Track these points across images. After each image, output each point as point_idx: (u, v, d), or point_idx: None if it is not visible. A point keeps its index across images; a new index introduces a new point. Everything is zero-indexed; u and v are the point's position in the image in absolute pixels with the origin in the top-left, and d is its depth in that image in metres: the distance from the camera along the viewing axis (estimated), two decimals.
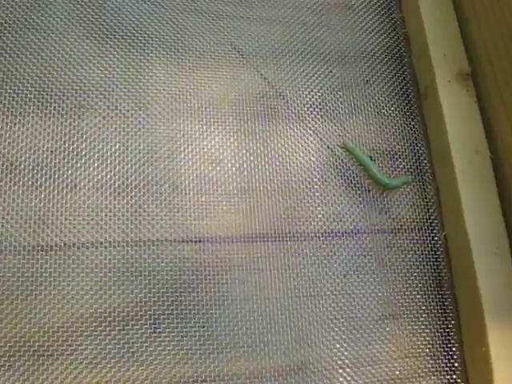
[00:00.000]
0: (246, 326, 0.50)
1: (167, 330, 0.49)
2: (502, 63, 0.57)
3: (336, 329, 0.52)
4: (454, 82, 0.59)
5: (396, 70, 0.64)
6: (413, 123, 0.61)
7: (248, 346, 0.50)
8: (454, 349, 0.54)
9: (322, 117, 0.59)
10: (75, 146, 0.51)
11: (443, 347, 0.54)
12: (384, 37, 0.65)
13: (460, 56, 0.61)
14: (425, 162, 0.60)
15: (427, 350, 0.54)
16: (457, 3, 0.63)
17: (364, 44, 0.64)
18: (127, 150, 0.52)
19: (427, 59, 0.60)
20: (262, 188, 0.54)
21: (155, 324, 0.48)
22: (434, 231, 0.57)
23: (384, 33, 0.65)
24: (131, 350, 0.47)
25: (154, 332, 0.48)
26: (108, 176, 0.51)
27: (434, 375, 0.53)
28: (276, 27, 0.61)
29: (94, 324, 0.47)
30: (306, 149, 0.57)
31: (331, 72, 0.61)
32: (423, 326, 0.54)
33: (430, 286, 0.56)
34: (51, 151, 0.50)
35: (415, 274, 0.56)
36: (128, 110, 0.53)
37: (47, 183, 0.49)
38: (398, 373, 0.52)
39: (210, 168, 0.53)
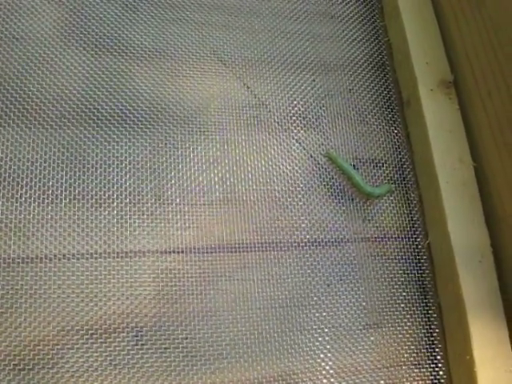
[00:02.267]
0: (230, 336, 0.50)
1: (150, 342, 0.48)
2: (483, 71, 0.57)
3: (320, 338, 0.52)
4: (436, 90, 0.59)
5: (379, 78, 0.64)
6: (396, 131, 0.61)
7: (232, 357, 0.49)
8: (438, 357, 0.54)
9: (305, 126, 0.58)
10: (56, 156, 0.50)
11: (428, 356, 0.54)
12: (367, 45, 0.65)
13: (442, 64, 0.61)
14: (408, 170, 0.60)
15: (411, 359, 0.53)
16: (439, 12, 0.63)
17: (347, 53, 0.64)
18: (109, 160, 0.51)
19: (409, 68, 0.60)
20: (244, 198, 0.54)
21: (137, 336, 0.48)
22: (418, 239, 0.57)
23: (367, 41, 0.65)
24: (113, 363, 0.47)
25: (137, 344, 0.48)
26: (90, 187, 0.50)
27: None
28: (259, 36, 0.61)
29: (76, 337, 0.47)
30: (289, 158, 0.57)
31: (314, 81, 0.61)
32: (407, 335, 0.54)
33: (414, 295, 0.55)
34: (32, 162, 0.50)
35: (399, 283, 0.55)
36: (110, 120, 0.53)
37: (28, 194, 0.49)
38: (382, 382, 0.52)
39: (193, 178, 0.53)
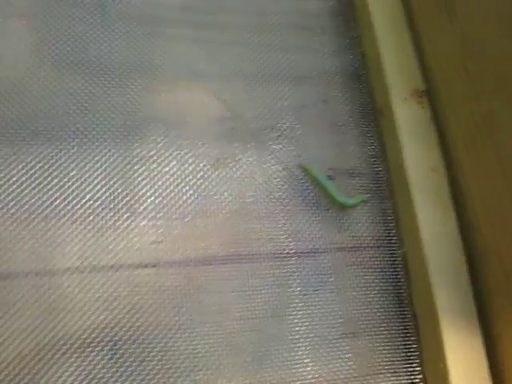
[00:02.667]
0: (205, 348, 0.50)
1: (125, 355, 0.49)
2: (455, 80, 0.57)
3: (296, 349, 0.52)
4: (409, 100, 0.60)
5: (354, 88, 0.64)
6: (371, 141, 0.62)
7: (207, 368, 0.50)
8: (414, 365, 0.54)
9: (279, 137, 0.59)
10: (29, 174, 0.51)
11: (403, 364, 0.54)
12: (341, 56, 0.66)
13: (415, 73, 0.62)
14: (383, 179, 0.60)
15: (388, 368, 0.54)
16: (411, 22, 0.64)
17: (321, 63, 0.65)
18: (84, 175, 0.52)
19: (383, 77, 0.61)
20: (219, 211, 0.55)
21: (113, 350, 0.48)
22: (393, 248, 0.58)
23: (341, 52, 0.66)
24: (89, 377, 0.47)
25: (112, 358, 0.48)
26: (64, 202, 0.51)
27: None
28: (232, 49, 0.62)
29: (52, 352, 0.47)
30: (263, 170, 0.57)
31: (288, 93, 0.62)
32: (384, 344, 0.55)
33: (390, 304, 0.56)
34: (7, 178, 0.50)
35: (375, 292, 0.56)
36: (85, 135, 0.53)
37: (3, 210, 0.49)
38: None
39: (167, 192, 0.54)
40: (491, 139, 0.53)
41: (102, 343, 0.48)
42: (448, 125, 0.58)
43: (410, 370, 0.54)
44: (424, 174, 0.57)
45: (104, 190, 0.52)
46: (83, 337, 0.48)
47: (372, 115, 0.63)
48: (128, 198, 0.52)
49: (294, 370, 0.52)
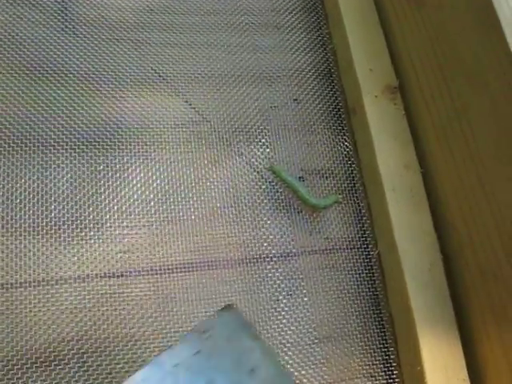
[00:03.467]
0: None
1: (92, 368, 0.47)
2: (426, 75, 0.56)
3: None
4: (381, 97, 0.58)
5: (325, 86, 0.63)
6: (343, 140, 0.61)
7: None
8: (391, 368, 0.53)
9: (248, 140, 0.58)
10: None
11: (381, 368, 0.53)
12: (312, 54, 0.65)
13: (386, 70, 0.60)
14: (356, 179, 0.59)
15: (364, 372, 0.53)
16: (382, 17, 0.63)
17: (292, 62, 0.63)
18: (45, 186, 0.51)
19: (353, 75, 0.59)
20: (186, 217, 0.53)
21: (79, 363, 0.47)
22: (368, 249, 0.57)
23: (312, 50, 0.65)
24: None
25: (79, 371, 0.47)
26: (26, 214, 0.50)
27: None
28: (199, 51, 0.61)
29: (16, 367, 0.46)
30: (232, 173, 0.56)
31: (258, 93, 0.60)
32: (359, 347, 0.53)
33: (366, 306, 0.55)
34: None
35: (349, 295, 0.55)
36: (46, 145, 0.52)
37: None
38: None
39: (132, 200, 0.53)
40: (463, 133, 0.51)
41: (69, 356, 0.47)
42: (421, 120, 0.57)
43: (387, 373, 0.53)
44: (397, 172, 0.56)
45: (67, 199, 0.51)
46: (49, 350, 0.47)
47: (344, 114, 0.61)
48: (92, 208, 0.51)
49: None
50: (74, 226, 0.50)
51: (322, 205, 0.55)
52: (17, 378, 0.46)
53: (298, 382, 0.51)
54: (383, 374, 0.53)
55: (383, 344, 0.54)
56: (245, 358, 0.40)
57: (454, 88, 0.52)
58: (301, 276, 0.54)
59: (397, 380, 0.53)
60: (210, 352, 0.39)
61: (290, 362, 0.51)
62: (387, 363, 0.53)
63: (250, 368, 0.39)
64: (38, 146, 0.52)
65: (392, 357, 0.53)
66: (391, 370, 0.53)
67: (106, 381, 0.48)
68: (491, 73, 0.47)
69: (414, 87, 0.58)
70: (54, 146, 0.53)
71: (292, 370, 0.51)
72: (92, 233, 0.51)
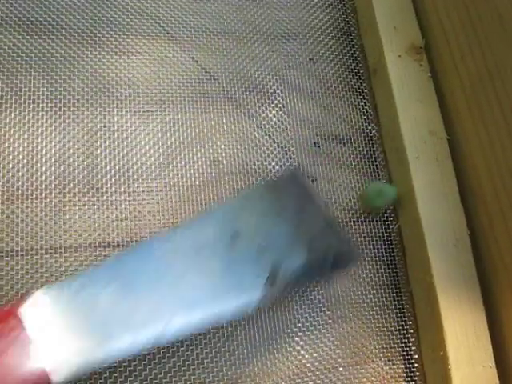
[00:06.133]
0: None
1: None
2: (456, 32, 0.51)
3: (277, 337, 0.47)
4: (405, 57, 0.53)
5: (344, 46, 0.58)
6: (362, 104, 0.56)
7: (176, 360, 0.44)
8: (411, 353, 0.48)
9: (259, 101, 0.53)
10: None
11: (399, 351, 0.48)
12: (330, 11, 0.59)
13: (412, 28, 0.55)
14: (376, 146, 0.54)
15: (381, 356, 0.48)
16: None
17: (308, 19, 0.58)
18: (37, 147, 0.46)
19: (376, 33, 0.54)
20: (190, 183, 0.49)
21: None
22: (388, 222, 0.51)
23: (330, 5, 0.60)
24: None
25: None
26: (15, 177, 0.45)
27: (389, 382, 0.47)
28: (208, 4, 0.56)
29: None
30: (241, 137, 0.51)
31: (271, 52, 0.55)
32: (376, 329, 0.49)
33: (384, 284, 0.50)
34: None
35: (366, 271, 0.50)
36: (39, 103, 0.47)
37: None
38: (347, 382, 0.46)
39: (131, 163, 0.48)
40: (497, 96, 0.46)
41: None
42: (448, 83, 0.52)
43: (406, 357, 0.49)
44: (421, 139, 0.51)
45: (60, 162, 0.46)
46: None
47: (364, 75, 0.56)
48: (87, 172, 0.47)
49: (274, 362, 0.46)
50: (67, 191, 0.46)
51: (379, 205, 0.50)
52: None
53: (309, 365, 0.46)
54: (401, 358, 0.48)
55: (402, 326, 0.49)
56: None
57: (486, 46, 0.47)
58: None
59: (416, 365, 0.48)
60: None
61: (301, 343, 0.47)
62: (406, 347, 0.49)
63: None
64: (29, 104, 0.48)
65: (412, 340, 0.49)
66: (410, 355, 0.48)
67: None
68: None
69: (441, 47, 0.52)
70: (46, 103, 0.48)
71: (303, 352, 0.46)
72: (86, 198, 0.46)
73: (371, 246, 0.51)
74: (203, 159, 0.50)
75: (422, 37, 0.55)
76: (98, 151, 0.48)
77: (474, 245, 0.49)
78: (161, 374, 0.44)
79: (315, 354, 0.47)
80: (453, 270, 0.47)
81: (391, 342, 0.49)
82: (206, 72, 0.53)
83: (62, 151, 0.47)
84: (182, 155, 0.49)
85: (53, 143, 0.47)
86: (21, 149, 0.46)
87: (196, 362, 0.45)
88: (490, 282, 0.48)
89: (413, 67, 0.53)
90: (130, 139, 0.49)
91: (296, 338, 0.47)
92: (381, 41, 0.54)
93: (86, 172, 0.47)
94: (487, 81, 0.47)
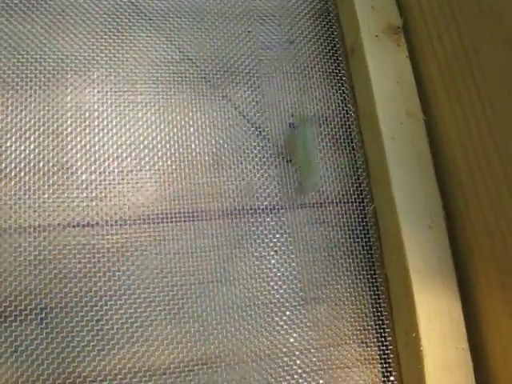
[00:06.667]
0: (143, 317, 0.44)
1: (51, 326, 0.43)
2: (433, 12, 0.50)
3: (248, 317, 0.46)
4: (382, 37, 0.52)
5: (322, 26, 0.57)
6: (339, 85, 0.55)
7: (145, 340, 0.44)
8: (385, 335, 0.48)
9: (234, 81, 0.52)
10: None
11: (373, 333, 0.48)
12: None
13: (390, 8, 0.54)
14: (352, 127, 0.53)
15: (354, 337, 0.48)
16: None
17: (286, 0, 0.57)
18: (7, 126, 0.46)
19: (353, 13, 0.54)
20: (162, 163, 0.48)
21: (37, 320, 0.42)
22: (363, 204, 0.51)
23: None
24: (15, 344, 0.41)
25: (42, 324, 0.42)
26: None
27: (362, 364, 0.47)
28: None
29: None
30: (215, 117, 0.51)
31: (247, 32, 0.54)
32: (350, 311, 0.48)
33: (358, 266, 0.49)
34: None
35: (341, 253, 0.49)
36: (7, 82, 0.46)
37: None
38: (320, 363, 0.46)
39: (102, 143, 0.47)
40: (473, 76, 0.45)
41: (26, 312, 0.43)
42: (426, 63, 0.51)
43: (380, 339, 0.49)
44: (398, 119, 0.50)
45: (31, 142, 0.46)
46: (4, 305, 0.42)
47: (341, 56, 0.55)
48: (57, 151, 0.46)
49: (245, 342, 0.45)
50: (36, 170, 0.46)
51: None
52: None
53: (280, 346, 0.46)
54: (375, 340, 0.48)
55: (376, 308, 0.48)
56: None
57: (463, 26, 0.47)
58: (288, 231, 0.49)
59: (390, 347, 0.48)
60: None
61: (273, 324, 0.46)
62: (380, 329, 0.48)
63: None
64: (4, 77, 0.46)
65: (386, 322, 0.48)
66: (384, 337, 0.48)
67: (67, 340, 0.43)
68: (506, 8, 0.41)
69: (419, 27, 0.52)
70: (16, 82, 0.48)
71: (275, 333, 0.45)
72: (56, 177, 0.46)
73: (346, 228, 0.51)
74: (175, 139, 0.49)
75: (400, 16, 0.54)
76: (69, 131, 0.48)
77: (450, 226, 0.48)
78: (129, 353, 0.43)
79: (287, 336, 0.47)
80: (427, 252, 0.47)
81: (365, 324, 0.49)
82: (180, 52, 0.52)
83: (31, 131, 0.47)
84: (154, 135, 0.49)
85: (23, 122, 0.47)
86: None
87: (166, 341, 0.44)
88: (465, 264, 0.47)
89: (390, 47, 0.53)
90: (101, 119, 0.49)
91: (268, 319, 0.47)
92: (358, 21, 0.53)
93: (55, 151, 0.47)
94: (464, 60, 0.46)
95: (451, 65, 0.48)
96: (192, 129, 0.50)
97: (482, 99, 0.45)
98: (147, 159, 0.48)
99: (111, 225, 0.46)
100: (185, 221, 0.47)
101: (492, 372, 0.45)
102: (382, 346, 0.48)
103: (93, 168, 0.47)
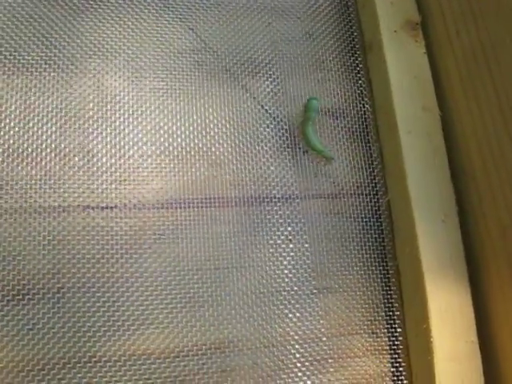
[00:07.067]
0: (158, 300, 0.45)
1: (68, 304, 0.44)
2: (452, 8, 0.51)
3: (261, 304, 0.47)
4: (400, 32, 0.53)
5: (341, 20, 0.58)
6: (357, 78, 0.56)
7: (159, 322, 0.45)
8: (395, 326, 0.48)
9: (254, 72, 0.53)
10: None
11: (383, 324, 0.48)
12: None
13: (408, 4, 0.55)
14: (369, 120, 0.54)
15: (365, 327, 0.49)
16: None
17: None
18: (30, 108, 0.46)
19: (372, 8, 0.54)
20: (182, 150, 0.49)
21: (54, 299, 0.43)
22: (377, 196, 0.52)
23: None
24: (27, 327, 0.42)
25: (53, 307, 0.43)
26: (8, 138, 0.45)
27: (372, 354, 0.47)
28: None
29: None
30: (235, 107, 0.51)
31: (269, 25, 0.55)
32: (361, 301, 0.49)
33: (371, 257, 0.50)
34: None
35: (354, 244, 0.50)
36: (32, 65, 0.47)
37: None
38: (330, 352, 0.47)
39: (123, 128, 0.48)
40: (490, 73, 0.46)
41: (44, 291, 0.44)
42: (443, 59, 0.52)
43: (390, 330, 0.49)
44: (414, 114, 0.51)
45: (53, 125, 0.46)
46: (23, 283, 0.43)
47: (360, 50, 0.56)
48: (78, 133, 0.47)
49: (258, 328, 0.46)
50: (57, 152, 0.46)
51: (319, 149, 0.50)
52: None
53: (292, 333, 0.46)
54: (385, 330, 0.49)
55: (387, 299, 0.49)
56: None
57: (481, 22, 0.47)
58: (302, 220, 0.49)
59: (400, 338, 0.48)
60: None
61: (286, 312, 0.47)
62: (390, 319, 0.49)
63: None
64: (19, 68, 0.47)
65: (396, 313, 0.49)
66: (394, 328, 0.48)
67: (83, 319, 0.44)
68: None
69: (437, 23, 0.52)
70: (36, 67, 0.48)
71: (287, 320, 0.46)
72: (77, 159, 0.46)
73: (360, 219, 0.51)
74: (195, 127, 0.50)
75: (418, 13, 0.54)
76: (91, 114, 0.48)
77: (462, 221, 0.48)
78: (143, 335, 0.44)
79: (299, 323, 0.47)
80: (440, 246, 0.47)
81: (376, 314, 0.49)
82: (202, 42, 0.53)
83: (54, 113, 0.47)
84: (175, 122, 0.50)
85: (46, 105, 0.47)
86: (13, 109, 0.47)
87: (180, 325, 0.45)
88: (476, 259, 0.48)
89: (408, 43, 0.53)
90: (123, 105, 0.49)
91: (281, 306, 0.47)
92: (377, 16, 0.54)
93: (77, 134, 0.47)
94: (481, 56, 0.47)
95: (468, 60, 0.49)
96: (211, 116, 0.50)
97: (499, 94, 0.45)
98: (167, 145, 0.48)
99: (129, 208, 0.46)
100: (202, 207, 0.48)
101: (501, 365, 0.45)
102: (392, 336, 0.48)
103: (113, 151, 0.47)
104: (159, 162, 0.48)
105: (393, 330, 0.49)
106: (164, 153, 0.48)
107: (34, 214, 0.44)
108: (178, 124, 0.49)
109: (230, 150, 0.50)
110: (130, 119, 0.48)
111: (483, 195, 0.47)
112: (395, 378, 0.47)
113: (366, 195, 0.52)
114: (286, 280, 0.48)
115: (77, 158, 0.46)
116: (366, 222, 0.51)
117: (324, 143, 0.51)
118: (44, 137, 0.46)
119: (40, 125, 0.46)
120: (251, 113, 0.51)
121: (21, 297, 0.43)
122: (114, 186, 0.46)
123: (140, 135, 0.48)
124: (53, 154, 0.46)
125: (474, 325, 0.46)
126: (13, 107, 0.46)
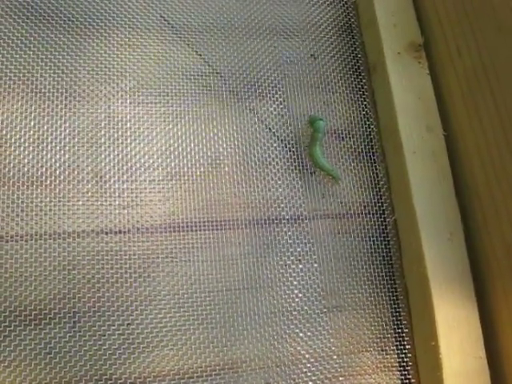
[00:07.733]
0: (172, 322, 0.46)
1: (86, 327, 0.45)
2: (453, 29, 0.52)
3: (273, 324, 0.48)
4: (404, 54, 0.54)
5: (345, 42, 0.59)
6: (361, 100, 0.57)
7: (173, 344, 0.46)
8: (404, 343, 0.49)
9: (261, 95, 0.54)
10: None
11: (392, 341, 0.49)
12: (332, 7, 0.61)
13: (411, 26, 0.56)
14: (374, 141, 0.55)
15: (374, 345, 0.49)
16: None
17: (310, 15, 0.59)
18: (43, 135, 0.47)
19: (375, 30, 0.55)
20: (191, 173, 0.50)
21: (70, 323, 0.44)
22: (384, 216, 0.53)
23: (332, 3, 0.61)
24: (44, 351, 0.43)
25: (74, 327, 0.44)
26: (21, 164, 0.47)
27: (382, 371, 0.48)
28: (212, 0, 0.56)
29: (4, 324, 0.43)
30: (242, 129, 0.52)
31: (273, 47, 0.56)
32: (371, 319, 0.50)
33: (379, 276, 0.51)
34: None
35: (362, 263, 0.51)
36: (45, 92, 0.49)
37: None
38: (341, 370, 0.47)
39: (134, 153, 0.49)
40: (491, 91, 0.47)
41: (60, 315, 0.44)
42: (446, 80, 0.53)
43: (399, 347, 0.50)
44: (419, 134, 0.52)
45: (65, 150, 0.47)
46: (39, 307, 0.44)
47: (364, 71, 0.57)
48: (91, 159, 0.48)
49: (269, 348, 0.47)
50: (71, 178, 0.47)
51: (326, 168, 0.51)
52: (4, 336, 0.42)
53: (303, 352, 0.47)
54: (394, 348, 0.49)
55: (396, 316, 0.50)
56: None
57: (482, 41, 0.49)
58: (311, 241, 0.50)
59: (409, 355, 0.49)
60: None
61: (296, 331, 0.48)
62: (399, 337, 0.50)
63: None
64: (36, 93, 0.49)
65: (405, 330, 0.50)
66: (403, 345, 0.49)
67: (99, 343, 0.45)
68: None
69: (439, 44, 0.54)
70: (52, 93, 0.49)
71: (298, 339, 0.47)
72: (90, 185, 0.47)
73: (367, 238, 0.52)
74: (204, 150, 0.51)
75: (421, 35, 0.56)
76: (102, 140, 0.49)
77: (468, 238, 0.50)
78: (158, 357, 0.45)
79: (310, 342, 0.48)
80: (446, 264, 0.48)
81: (385, 332, 0.50)
82: (208, 66, 0.54)
83: (66, 140, 0.48)
84: (184, 146, 0.51)
85: (58, 132, 0.48)
86: (27, 137, 0.48)
87: (193, 346, 0.46)
88: (482, 275, 0.49)
89: (411, 64, 0.54)
90: (132, 129, 0.50)
91: (292, 326, 0.48)
92: (380, 38, 0.55)
93: (89, 160, 0.48)
94: (482, 75, 0.48)
95: (470, 79, 0.50)
96: (220, 140, 0.51)
97: (500, 111, 0.47)
98: (177, 169, 0.50)
99: (142, 232, 0.47)
100: (213, 229, 0.49)
101: (508, 380, 0.46)
102: (401, 353, 0.49)
103: (125, 177, 0.48)
104: (170, 185, 0.49)
105: (402, 346, 0.49)
106: (174, 176, 0.49)
107: (49, 239, 0.45)
108: (187, 147, 0.50)
109: (238, 172, 0.51)
110: (141, 144, 0.49)
111: (487, 212, 0.48)
112: None
113: (372, 215, 0.53)
114: (297, 300, 0.49)
115: (90, 184, 0.47)
116: (373, 241, 0.52)
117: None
118: (58, 163, 0.47)
119: (54, 151, 0.47)
120: (259, 135, 0.52)
121: (37, 321, 0.44)
122: (126, 210, 0.47)
123: (150, 159, 0.49)
124: (66, 181, 0.47)
125: (481, 341, 0.47)
126: (26, 134, 0.47)
